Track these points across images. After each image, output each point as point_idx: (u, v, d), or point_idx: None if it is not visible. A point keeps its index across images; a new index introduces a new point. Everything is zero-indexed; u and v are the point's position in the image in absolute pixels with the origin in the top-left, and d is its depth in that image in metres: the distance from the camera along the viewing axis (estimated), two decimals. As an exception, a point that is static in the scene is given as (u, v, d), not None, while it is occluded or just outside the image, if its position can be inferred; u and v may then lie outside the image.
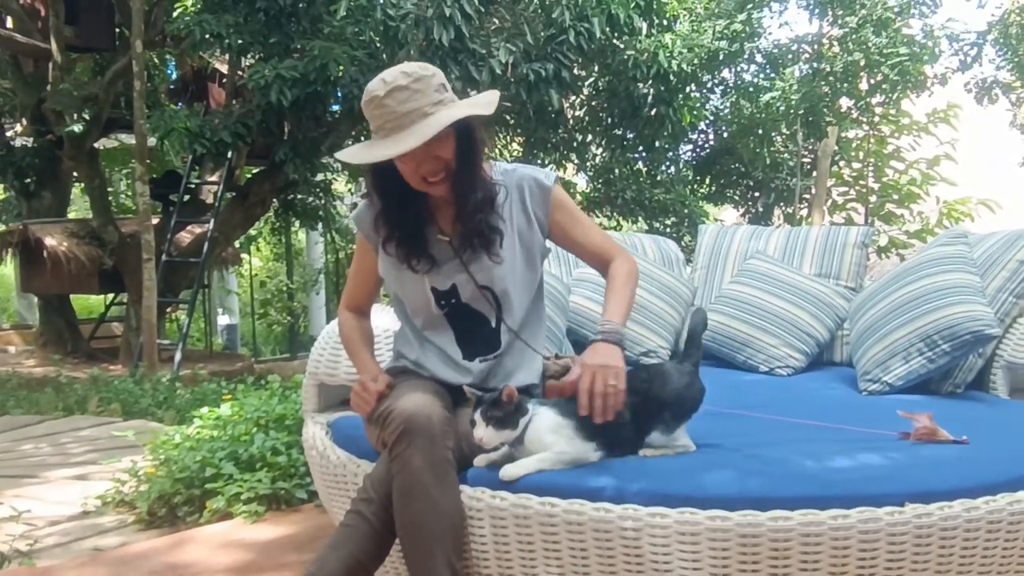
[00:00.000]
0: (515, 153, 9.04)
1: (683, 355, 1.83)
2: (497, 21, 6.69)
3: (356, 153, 1.77)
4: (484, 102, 1.76)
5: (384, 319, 2.21)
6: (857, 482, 1.55)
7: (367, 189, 1.87)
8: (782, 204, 9.23)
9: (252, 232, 11.53)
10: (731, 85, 8.30)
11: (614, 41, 7.00)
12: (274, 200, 8.95)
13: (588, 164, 9.15)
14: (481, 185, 1.80)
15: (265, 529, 2.70)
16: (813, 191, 8.59)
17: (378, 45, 6.52)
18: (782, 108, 7.29)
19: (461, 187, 1.77)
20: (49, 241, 8.04)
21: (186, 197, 8.58)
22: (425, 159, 1.70)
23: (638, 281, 1.88)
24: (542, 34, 6.40)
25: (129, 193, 12.35)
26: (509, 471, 1.64)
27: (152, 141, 7.24)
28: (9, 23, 8.29)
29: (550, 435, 1.66)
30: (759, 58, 8.04)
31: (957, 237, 2.52)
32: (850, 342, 2.66)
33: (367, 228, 1.90)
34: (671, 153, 9.12)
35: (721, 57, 7.27)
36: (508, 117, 7.51)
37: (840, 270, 2.86)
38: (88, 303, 11.60)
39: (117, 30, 8.55)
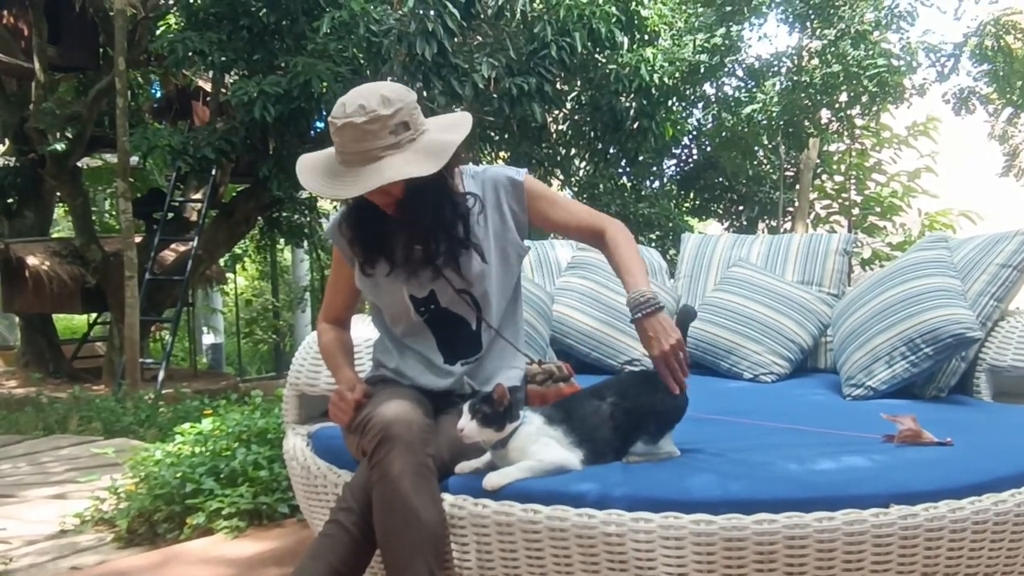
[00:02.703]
0: (499, 169, 9.03)
1: None
2: (480, 36, 6.70)
3: (319, 185, 1.74)
4: (438, 149, 1.68)
5: (363, 329, 2.19)
6: (841, 484, 1.54)
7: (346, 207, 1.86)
8: (765, 217, 9.27)
9: (238, 251, 11.47)
10: (712, 99, 8.34)
11: (596, 55, 7.02)
12: (259, 218, 8.90)
13: (573, 179, 9.17)
14: (446, 204, 1.78)
15: (246, 544, 2.66)
16: (796, 204, 8.63)
17: (361, 61, 6.52)
18: (763, 120, 7.33)
19: (411, 214, 1.76)
20: (31, 260, 7.97)
21: (170, 215, 8.54)
22: (373, 193, 1.70)
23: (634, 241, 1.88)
24: (524, 49, 6.42)
25: (112, 212, 12.28)
26: (492, 480, 1.62)
27: (135, 160, 7.21)
28: (-8, 44, 8.26)
29: (534, 444, 1.65)
30: (740, 72, 8.10)
31: (937, 241, 2.53)
32: (833, 348, 2.66)
33: (341, 241, 1.88)
34: (655, 167, 9.15)
35: (702, 71, 7.31)
36: (492, 133, 7.51)
37: (822, 277, 2.87)
38: (71, 324, 11.49)
39: (101, 49, 8.53)
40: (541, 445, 1.65)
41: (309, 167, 1.77)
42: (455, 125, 1.76)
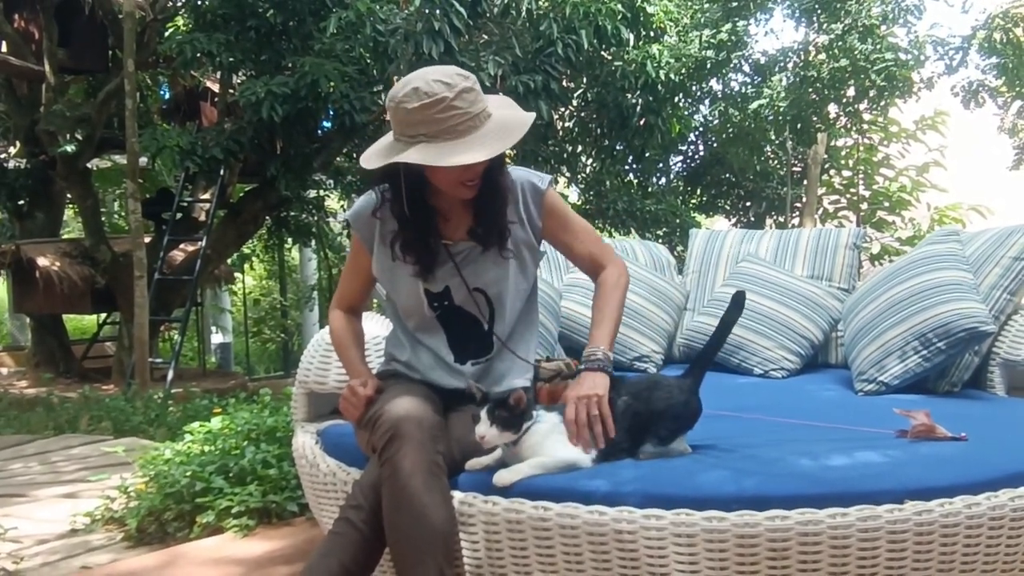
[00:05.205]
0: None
1: (687, 371, 1.80)
2: (486, 35, 6.69)
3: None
4: (516, 104, 1.79)
5: (374, 326, 2.19)
6: (855, 480, 1.53)
7: (380, 191, 1.83)
8: (773, 213, 9.26)
9: (246, 250, 11.50)
10: (719, 95, 8.32)
11: (602, 53, 7.01)
12: (267, 217, 8.92)
13: (579, 176, 9.16)
14: (505, 185, 1.81)
15: (256, 543, 2.66)
16: (804, 200, 8.60)
17: (368, 61, 6.53)
18: (770, 116, 7.31)
19: (491, 188, 1.76)
20: (41, 261, 7.99)
21: (178, 215, 8.56)
22: (456, 170, 1.66)
23: (627, 288, 1.88)
24: (530, 47, 6.41)
25: (122, 213, 12.32)
26: (503, 477, 1.61)
27: (144, 160, 7.22)
28: (3, 46, 8.30)
29: (546, 441, 1.64)
30: (746, 67, 8.07)
31: (948, 235, 2.51)
32: (844, 343, 2.64)
33: (363, 227, 1.87)
34: (661, 164, 9.14)
35: (708, 67, 7.29)
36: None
37: (832, 271, 2.85)
38: (81, 324, 11.54)
39: (110, 52, 8.56)
40: (552, 442, 1.64)
41: (382, 153, 1.70)
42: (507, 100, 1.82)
